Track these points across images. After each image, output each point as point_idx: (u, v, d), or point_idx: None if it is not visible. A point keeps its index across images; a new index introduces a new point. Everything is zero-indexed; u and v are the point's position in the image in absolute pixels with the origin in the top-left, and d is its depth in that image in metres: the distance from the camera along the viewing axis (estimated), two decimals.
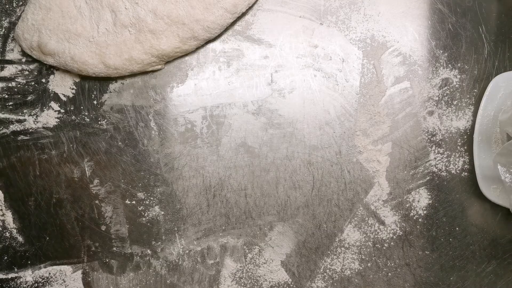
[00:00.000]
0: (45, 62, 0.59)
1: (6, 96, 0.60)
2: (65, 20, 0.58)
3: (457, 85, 0.61)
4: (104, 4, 0.57)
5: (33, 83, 0.60)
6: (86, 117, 0.60)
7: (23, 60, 0.60)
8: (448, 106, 0.60)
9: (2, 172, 0.59)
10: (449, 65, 0.61)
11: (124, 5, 0.57)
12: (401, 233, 0.60)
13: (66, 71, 0.59)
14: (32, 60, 0.60)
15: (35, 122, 0.60)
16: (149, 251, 0.59)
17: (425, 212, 0.60)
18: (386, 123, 0.60)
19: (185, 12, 0.57)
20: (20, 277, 0.59)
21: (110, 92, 0.60)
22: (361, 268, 0.60)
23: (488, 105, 0.59)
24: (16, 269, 0.59)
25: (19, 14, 0.60)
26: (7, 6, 0.61)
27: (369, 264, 0.60)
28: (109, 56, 0.57)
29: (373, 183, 0.60)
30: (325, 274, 0.59)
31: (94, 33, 0.57)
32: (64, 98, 0.60)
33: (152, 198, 0.60)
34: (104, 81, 0.60)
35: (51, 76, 0.60)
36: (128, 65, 0.58)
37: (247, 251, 0.60)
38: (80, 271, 0.59)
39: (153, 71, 0.60)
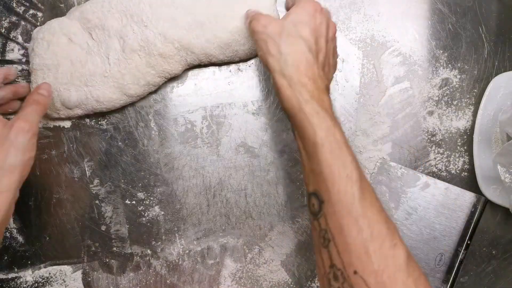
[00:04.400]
0: (74, 117, 0.59)
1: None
2: (75, 67, 0.57)
3: (457, 85, 0.61)
4: (112, 34, 0.56)
5: None
6: (86, 117, 0.60)
7: (23, 60, 0.60)
8: (448, 106, 0.60)
9: None
10: (449, 65, 0.61)
11: (132, 29, 0.56)
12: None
13: None
14: None
15: None
16: (149, 251, 0.59)
17: None
18: (386, 123, 0.60)
19: (197, 43, 0.56)
20: (20, 277, 0.59)
21: None
22: None
23: (488, 105, 0.59)
24: (16, 269, 0.59)
25: (20, 13, 0.61)
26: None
27: None
28: (129, 86, 0.57)
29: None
30: None
31: (106, 67, 0.56)
32: None
33: (152, 198, 0.60)
34: None
35: None
36: (147, 90, 0.58)
37: (247, 251, 0.60)
38: (80, 271, 0.59)
39: None
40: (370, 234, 0.38)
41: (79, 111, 0.58)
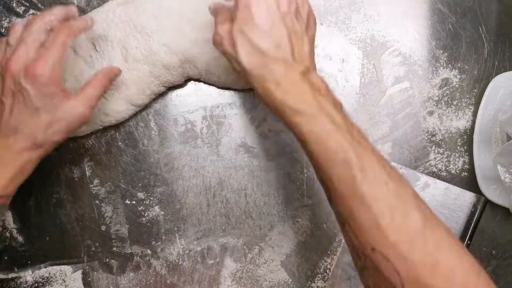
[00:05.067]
0: (83, 134, 0.58)
1: None
2: (80, 83, 0.56)
3: (457, 85, 0.61)
4: (115, 45, 0.56)
5: None
6: None
7: None
8: (448, 106, 0.60)
9: None
10: (449, 65, 0.61)
11: (135, 39, 0.56)
12: None
13: None
14: None
15: None
16: (149, 251, 0.59)
17: None
18: (386, 123, 0.60)
19: (202, 58, 0.56)
20: (20, 277, 0.59)
21: None
22: None
23: (488, 105, 0.59)
24: (16, 269, 0.59)
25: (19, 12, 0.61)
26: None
27: None
28: (136, 97, 0.57)
29: None
30: (325, 274, 0.59)
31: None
32: None
33: (152, 198, 0.60)
34: None
35: None
36: (153, 97, 0.58)
37: (247, 251, 0.60)
38: (80, 271, 0.59)
39: None
40: (378, 210, 0.38)
41: (85, 129, 0.57)
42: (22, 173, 0.47)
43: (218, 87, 0.60)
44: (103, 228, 0.59)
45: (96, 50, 0.57)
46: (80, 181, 0.60)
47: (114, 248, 0.59)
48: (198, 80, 0.59)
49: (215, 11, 0.47)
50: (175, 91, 0.60)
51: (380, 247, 0.37)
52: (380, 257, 0.37)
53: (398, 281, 0.36)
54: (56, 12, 0.48)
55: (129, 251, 0.59)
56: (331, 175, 0.40)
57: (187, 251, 0.59)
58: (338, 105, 0.43)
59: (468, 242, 0.57)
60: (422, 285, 0.36)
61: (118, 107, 0.57)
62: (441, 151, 0.60)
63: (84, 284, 0.59)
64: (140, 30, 0.55)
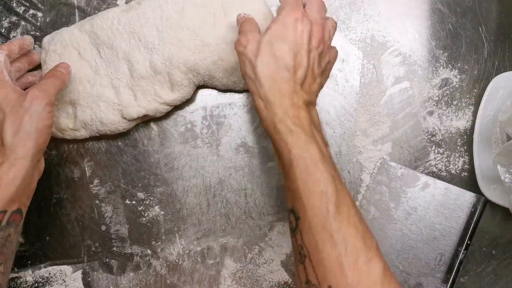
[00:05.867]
0: (78, 138, 0.58)
1: None
2: (84, 87, 0.56)
3: (457, 85, 0.61)
4: (120, 56, 0.56)
5: None
6: None
7: None
8: (448, 106, 0.60)
9: None
10: (449, 65, 0.61)
11: (141, 53, 0.55)
12: None
13: None
14: None
15: None
16: (149, 251, 0.59)
17: None
18: (386, 123, 0.60)
19: (203, 64, 0.56)
20: (20, 277, 0.59)
21: None
22: None
23: (488, 105, 0.59)
24: (16, 269, 0.59)
25: (20, 13, 0.61)
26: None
27: None
28: (134, 112, 0.57)
29: None
30: None
31: (115, 92, 0.56)
32: None
33: (152, 198, 0.60)
34: None
35: None
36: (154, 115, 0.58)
37: (247, 251, 0.60)
38: (80, 271, 0.59)
39: None
40: (344, 249, 0.38)
41: (84, 133, 0.58)
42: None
43: (220, 90, 0.60)
44: (103, 228, 0.59)
45: (101, 57, 0.57)
46: (80, 181, 0.60)
47: (114, 248, 0.59)
48: (202, 86, 0.60)
49: (245, 20, 0.49)
50: None
51: (337, 286, 0.37)
52: None
53: None
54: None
55: (129, 251, 0.59)
56: (306, 204, 0.40)
57: (187, 251, 0.59)
58: (326, 143, 0.44)
59: (468, 242, 0.57)
60: None
61: (113, 117, 0.57)
62: (441, 151, 0.60)
63: (84, 284, 0.59)
64: (144, 43, 0.55)
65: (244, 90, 0.60)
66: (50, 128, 0.49)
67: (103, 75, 0.57)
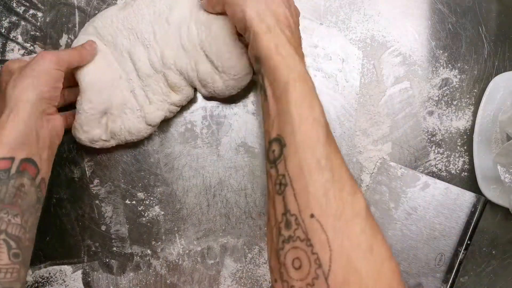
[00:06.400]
0: (107, 146, 0.57)
1: None
2: (116, 94, 0.54)
3: (457, 85, 0.61)
4: (125, 54, 0.55)
5: None
6: None
7: None
8: (448, 106, 0.60)
9: None
10: (449, 65, 0.61)
11: (140, 51, 0.55)
12: None
13: None
14: None
15: None
16: (149, 251, 0.59)
17: None
18: (386, 123, 0.60)
19: (189, 63, 0.55)
20: None
21: None
22: None
23: (488, 105, 0.59)
24: None
25: (20, 13, 0.61)
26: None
27: None
28: (152, 116, 0.56)
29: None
30: None
31: (135, 99, 0.56)
32: None
33: (152, 198, 0.60)
34: None
35: None
36: (168, 116, 0.58)
37: (247, 251, 0.60)
38: (80, 271, 0.59)
39: None
40: (331, 177, 0.37)
41: (113, 142, 0.57)
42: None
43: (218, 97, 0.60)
44: (103, 228, 0.59)
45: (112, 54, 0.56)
46: (80, 181, 0.60)
47: (114, 248, 0.59)
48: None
49: None
50: None
51: (320, 215, 0.35)
52: (316, 226, 0.35)
53: (327, 257, 0.34)
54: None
55: (129, 251, 0.59)
56: (297, 130, 0.39)
57: (187, 251, 0.59)
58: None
59: (468, 242, 0.57)
60: (351, 268, 0.34)
61: (139, 125, 0.56)
62: (441, 151, 0.60)
63: (84, 284, 0.59)
64: (142, 40, 0.55)
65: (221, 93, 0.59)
66: (53, 79, 0.48)
67: (124, 78, 0.55)
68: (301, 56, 0.44)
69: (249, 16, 0.45)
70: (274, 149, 0.40)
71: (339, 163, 0.38)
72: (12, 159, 0.44)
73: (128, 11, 0.55)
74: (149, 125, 0.57)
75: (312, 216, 0.36)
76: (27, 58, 0.54)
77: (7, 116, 0.45)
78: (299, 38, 0.48)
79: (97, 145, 0.57)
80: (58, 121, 0.51)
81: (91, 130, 0.55)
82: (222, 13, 0.52)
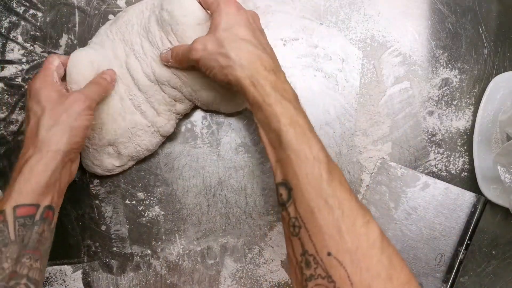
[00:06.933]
0: (126, 168, 0.58)
1: (6, 96, 0.60)
2: (118, 123, 0.54)
3: (457, 85, 0.61)
4: (124, 67, 0.54)
5: None
6: None
7: (23, 60, 0.60)
8: (448, 106, 0.60)
9: (2, 172, 0.59)
10: (449, 65, 0.61)
11: (135, 62, 0.54)
12: None
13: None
14: (32, 60, 0.60)
15: None
16: (149, 251, 0.59)
17: None
18: (386, 123, 0.60)
19: (175, 76, 0.55)
20: None
21: None
22: None
23: (488, 105, 0.59)
24: None
25: (20, 13, 0.61)
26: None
27: None
28: (165, 127, 0.57)
29: None
30: None
31: (144, 117, 0.55)
32: None
33: (152, 198, 0.60)
34: None
35: None
36: (176, 120, 0.58)
37: (247, 251, 0.60)
38: (80, 271, 0.59)
39: None
40: (341, 213, 0.38)
41: (132, 162, 0.58)
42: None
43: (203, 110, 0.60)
44: (103, 228, 0.59)
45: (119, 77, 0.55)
46: (80, 181, 0.60)
47: (114, 248, 0.59)
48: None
49: (173, 48, 0.52)
50: None
51: (337, 252, 0.37)
52: (335, 263, 0.37)
53: None
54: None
55: (129, 251, 0.59)
56: (298, 172, 0.40)
57: (187, 251, 0.59)
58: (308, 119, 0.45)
59: (468, 242, 0.57)
60: None
61: (153, 139, 0.57)
62: (441, 151, 0.60)
63: (84, 284, 0.59)
64: (134, 52, 0.54)
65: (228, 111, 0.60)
66: (86, 129, 0.49)
67: (126, 99, 0.55)
68: (289, 94, 0.45)
69: (232, 76, 0.46)
70: (281, 193, 0.42)
71: (347, 197, 0.39)
72: (37, 206, 0.45)
73: (119, 22, 0.55)
74: (164, 136, 0.58)
75: (329, 254, 0.37)
76: (63, 57, 0.53)
77: (37, 161, 0.45)
78: (278, 65, 0.48)
79: (117, 171, 0.58)
80: (76, 164, 0.52)
81: (101, 162, 0.56)
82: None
